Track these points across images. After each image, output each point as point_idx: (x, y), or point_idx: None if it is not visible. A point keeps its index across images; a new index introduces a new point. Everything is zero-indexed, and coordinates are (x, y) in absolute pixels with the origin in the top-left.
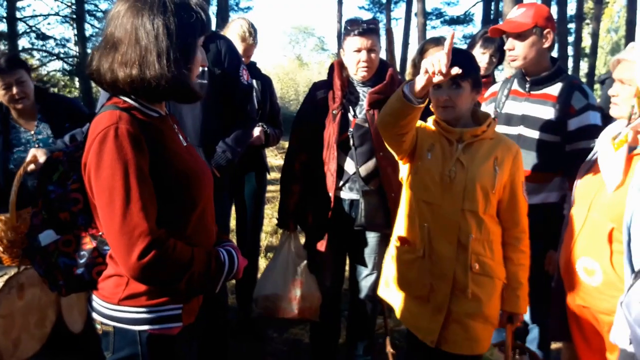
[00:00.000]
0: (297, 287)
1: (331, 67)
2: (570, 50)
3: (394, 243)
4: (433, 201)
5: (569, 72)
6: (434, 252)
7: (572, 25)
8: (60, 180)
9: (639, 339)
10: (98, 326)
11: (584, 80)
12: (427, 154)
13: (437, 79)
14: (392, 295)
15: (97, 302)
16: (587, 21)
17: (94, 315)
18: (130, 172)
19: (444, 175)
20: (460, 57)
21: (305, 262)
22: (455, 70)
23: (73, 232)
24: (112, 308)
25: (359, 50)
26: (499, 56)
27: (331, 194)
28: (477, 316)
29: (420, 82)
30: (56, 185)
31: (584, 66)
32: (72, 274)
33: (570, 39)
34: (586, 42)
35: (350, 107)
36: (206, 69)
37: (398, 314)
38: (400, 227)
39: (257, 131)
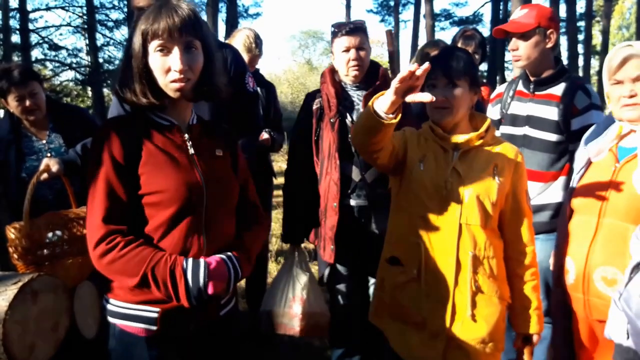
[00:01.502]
0: (298, 304)
1: (323, 76)
2: (580, 49)
3: (383, 264)
4: (429, 216)
5: (580, 71)
6: (429, 272)
7: (582, 24)
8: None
9: None
10: None
11: (594, 78)
12: (419, 165)
13: (410, 98)
14: (385, 322)
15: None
16: (597, 19)
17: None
18: (98, 171)
19: (439, 186)
20: (457, 54)
21: (306, 278)
22: (424, 67)
23: None
24: (104, 299)
25: (347, 50)
26: (481, 53)
27: (336, 204)
28: (480, 341)
29: (388, 97)
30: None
31: (595, 64)
32: None
33: (581, 37)
34: (597, 39)
35: (347, 114)
36: None
37: (392, 343)
38: (391, 246)
39: (264, 134)
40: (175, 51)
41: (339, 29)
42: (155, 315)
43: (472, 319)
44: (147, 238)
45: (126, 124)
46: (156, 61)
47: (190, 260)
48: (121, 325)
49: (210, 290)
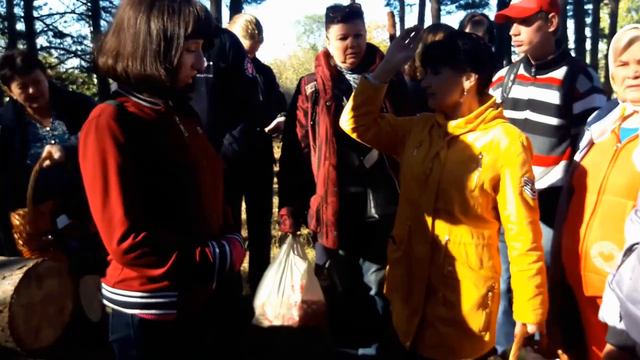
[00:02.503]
0: (297, 292)
1: (317, 59)
2: (588, 32)
3: (390, 241)
4: (414, 199)
5: (587, 55)
6: (412, 252)
7: (589, 6)
8: (74, 169)
9: (631, 315)
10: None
11: (602, 62)
12: (414, 150)
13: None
14: (391, 294)
15: (102, 284)
16: (606, 1)
17: (101, 296)
18: (108, 163)
19: (421, 172)
20: (440, 42)
21: (305, 265)
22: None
23: (81, 217)
24: (110, 290)
25: (345, 37)
26: (488, 38)
27: (336, 190)
28: (451, 323)
29: (383, 65)
30: (69, 173)
31: (602, 47)
32: (79, 255)
33: (588, 20)
34: (605, 22)
35: (344, 97)
36: (211, 63)
37: (392, 314)
38: (394, 225)
39: (280, 119)
40: (200, 51)
41: (334, 14)
42: (174, 299)
43: (443, 301)
44: (167, 225)
45: (120, 112)
46: (188, 58)
47: (215, 244)
48: (141, 314)
49: (235, 269)
